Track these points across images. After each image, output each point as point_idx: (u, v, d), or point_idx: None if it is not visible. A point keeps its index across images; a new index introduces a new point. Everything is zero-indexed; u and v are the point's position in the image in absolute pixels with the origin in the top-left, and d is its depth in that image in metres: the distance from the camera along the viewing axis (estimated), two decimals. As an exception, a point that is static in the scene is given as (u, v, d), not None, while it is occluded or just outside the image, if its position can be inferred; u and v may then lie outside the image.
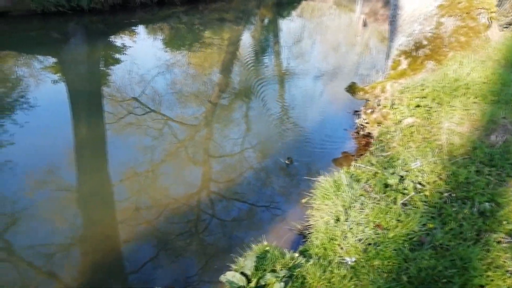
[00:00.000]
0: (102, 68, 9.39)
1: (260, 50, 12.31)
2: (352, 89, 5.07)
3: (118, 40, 11.37)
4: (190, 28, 14.04)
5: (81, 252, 3.63)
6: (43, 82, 8.08)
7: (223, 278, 2.48)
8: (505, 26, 6.97)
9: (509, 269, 2.59)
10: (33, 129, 5.93)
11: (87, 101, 7.46)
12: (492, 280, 2.46)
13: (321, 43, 14.19)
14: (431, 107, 4.26)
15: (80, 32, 11.54)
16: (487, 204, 3.02)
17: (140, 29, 12.84)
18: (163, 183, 4.70)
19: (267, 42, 14.01)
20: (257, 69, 9.88)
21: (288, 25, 17.45)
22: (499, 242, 2.77)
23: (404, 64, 5.63)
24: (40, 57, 9.73)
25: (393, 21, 6.04)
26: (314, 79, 8.74)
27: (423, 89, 4.50)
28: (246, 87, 8.17)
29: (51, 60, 9.71)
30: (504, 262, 2.64)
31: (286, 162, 4.76)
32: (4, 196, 4.24)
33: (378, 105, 4.78)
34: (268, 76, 8.95)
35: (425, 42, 5.45)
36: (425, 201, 3.15)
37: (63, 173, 4.74)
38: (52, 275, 3.34)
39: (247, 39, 13.94)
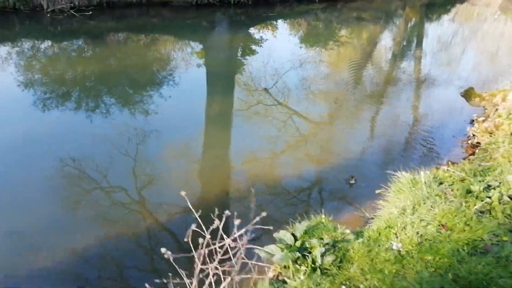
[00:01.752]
0: (239, 57, 10.32)
1: (400, 53, 11.80)
2: (468, 95, 4.75)
3: (257, 31, 12.29)
4: (326, 26, 14.30)
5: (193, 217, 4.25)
6: (188, 64, 9.32)
7: (276, 235, 2.80)
8: None
9: None
10: (174, 103, 6.89)
11: (222, 84, 8.35)
12: (555, 303, 2.25)
13: (471, 52, 12.77)
14: (553, 122, 3.78)
15: (225, 22, 12.86)
16: None
17: (278, 22, 13.62)
18: (277, 171, 5.05)
19: (409, 46, 13.33)
20: (393, 73, 9.56)
21: (436, 30, 16.19)
22: None
23: (542, 74, 4.99)
24: (191, 42, 11.20)
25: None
26: (449, 87, 8.05)
27: (550, 101, 4.00)
28: (378, 90, 8.00)
29: (198, 45, 11.09)
30: None
31: (351, 182, 4.45)
32: (147, 159, 5.11)
33: (494, 114, 4.40)
34: (403, 81, 8.54)
35: None
36: (507, 214, 2.92)
37: (193, 146, 5.41)
38: (169, 231, 3.98)
39: (387, 40, 13.52)
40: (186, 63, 9.46)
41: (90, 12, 10.02)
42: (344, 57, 10.76)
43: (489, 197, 3.05)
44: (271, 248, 2.71)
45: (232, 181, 4.95)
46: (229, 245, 1.53)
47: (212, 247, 1.54)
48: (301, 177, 4.85)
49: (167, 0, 11.78)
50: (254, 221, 1.54)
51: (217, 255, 1.55)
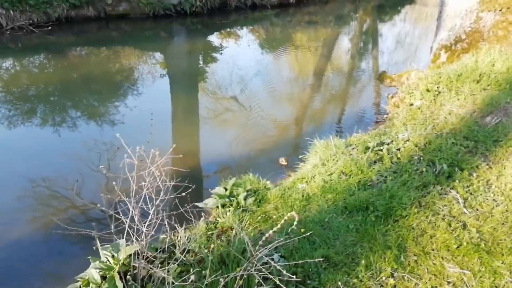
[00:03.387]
0: (201, 64, 10.95)
1: (357, 54, 12.61)
2: (381, 77, 5.62)
3: (215, 39, 13.00)
4: (281, 31, 15.18)
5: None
6: (151, 74, 9.83)
7: (212, 191, 3.49)
8: None
9: (441, 211, 3.11)
10: (139, 113, 7.17)
11: (185, 92, 8.81)
12: (414, 214, 3.04)
13: (421, 48, 13.69)
14: (439, 92, 4.68)
15: (182, 32, 13.54)
16: (445, 166, 3.50)
17: (235, 30, 14.41)
18: (237, 159, 5.48)
19: (366, 47, 14.36)
20: (353, 72, 10.11)
21: (390, 30, 17.29)
22: (441, 194, 3.27)
23: (443, 57, 5.95)
24: (150, 52, 11.77)
25: (439, 16, 6.37)
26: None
27: (440, 77, 4.91)
28: (336, 89, 8.44)
29: (159, 55, 11.68)
30: (439, 207, 3.16)
31: (282, 163, 4.73)
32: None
33: (399, 91, 5.28)
34: (361, 80, 8.89)
35: (463, 37, 5.72)
36: (394, 161, 3.73)
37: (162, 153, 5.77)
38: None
39: (344, 42, 14.43)
40: (149, 74, 9.97)
41: (49, 28, 10.46)
42: (302, 60, 11.53)
43: (381, 150, 3.86)
44: (207, 200, 3.41)
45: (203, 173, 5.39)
46: (152, 171, 2.21)
47: (142, 172, 2.22)
48: (252, 159, 5.48)
49: (124, 13, 12.34)
50: (168, 152, 2.23)
51: (146, 180, 2.23)
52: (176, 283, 2.22)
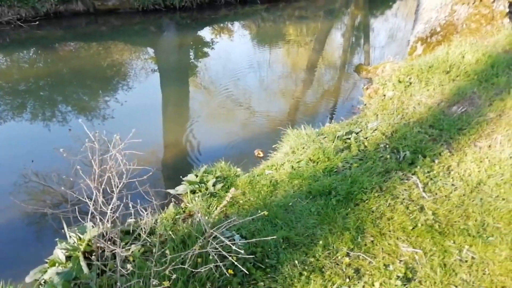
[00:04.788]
0: (189, 58, 11.01)
1: (349, 49, 12.66)
2: (358, 69, 5.74)
3: (204, 34, 13.07)
4: (272, 26, 15.24)
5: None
6: (141, 68, 9.89)
7: (184, 178, 3.61)
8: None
9: (400, 196, 3.25)
10: (129, 109, 7.03)
11: (175, 86, 8.79)
12: (374, 198, 3.17)
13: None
14: (411, 83, 4.81)
15: (172, 26, 13.58)
16: (408, 153, 3.64)
17: (224, 25, 14.46)
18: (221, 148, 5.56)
19: (357, 42, 14.45)
20: (345, 67, 10.15)
21: (382, 25, 17.34)
22: (402, 179, 3.41)
23: (419, 50, 6.08)
24: (140, 47, 11.84)
25: (417, 10, 6.49)
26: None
27: (412, 68, 5.04)
28: (329, 85, 8.47)
29: (148, 49, 11.75)
30: (399, 192, 3.30)
31: (258, 155, 4.60)
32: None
33: (374, 82, 5.41)
34: (350, 74, 8.94)
35: (438, 29, 5.84)
36: (361, 149, 3.86)
37: (154, 147, 5.50)
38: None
39: (335, 37, 14.48)
40: (139, 68, 10.03)
41: (37, 23, 10.51)
42: (294, 55, 11.59)
43: (349, 139, 3.99)
44: (178, 187, 3.53)
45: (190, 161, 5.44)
46: (115, 155, 2.32)
47: (106, 155, 2.33)
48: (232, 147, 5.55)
49: (114, 8, 12.39)
50: (128, 137, 2.34)
51: (109, 163, 2.35)
52: (137, 261, 2.35)
